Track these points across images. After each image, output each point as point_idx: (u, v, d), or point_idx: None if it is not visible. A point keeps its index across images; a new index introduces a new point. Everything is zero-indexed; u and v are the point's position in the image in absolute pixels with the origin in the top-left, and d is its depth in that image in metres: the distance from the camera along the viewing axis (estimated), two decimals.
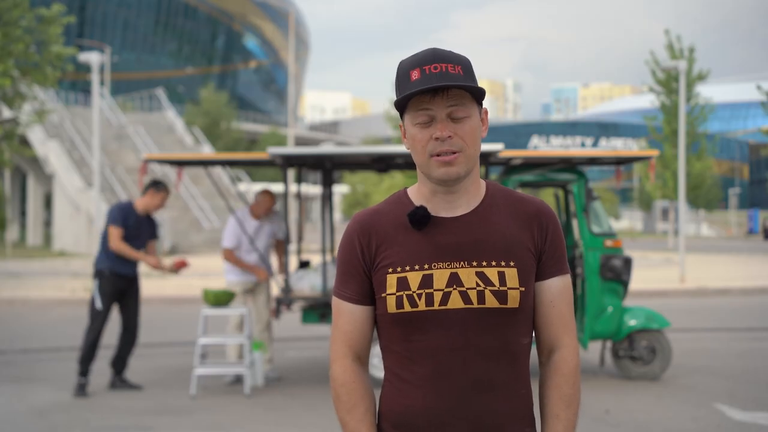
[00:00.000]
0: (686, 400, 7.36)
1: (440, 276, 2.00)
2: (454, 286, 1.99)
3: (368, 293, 2.09)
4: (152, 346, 10.50)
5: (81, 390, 7.60)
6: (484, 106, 2.08)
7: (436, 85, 1.95)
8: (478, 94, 2.01)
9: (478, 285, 1.99)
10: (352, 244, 2.09)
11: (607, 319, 8.15)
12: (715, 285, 17.90)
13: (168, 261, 8.24)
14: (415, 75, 1.99)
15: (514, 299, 2.00)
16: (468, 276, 2.00)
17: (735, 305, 15.27)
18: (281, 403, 7.36)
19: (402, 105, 2.03)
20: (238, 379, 8.21)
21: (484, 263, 2.01)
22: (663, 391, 7.75)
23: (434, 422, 2.01)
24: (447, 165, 1.99)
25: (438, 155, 1.99)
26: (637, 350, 8.21)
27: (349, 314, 2.11)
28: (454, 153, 1.99)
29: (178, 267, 7.98)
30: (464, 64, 2.02)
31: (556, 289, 2.08)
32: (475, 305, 1.99)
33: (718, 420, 6.65)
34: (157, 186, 7.87)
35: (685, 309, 14.38)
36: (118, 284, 7.70)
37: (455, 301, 1.99)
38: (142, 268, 15.98)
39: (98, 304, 7.57)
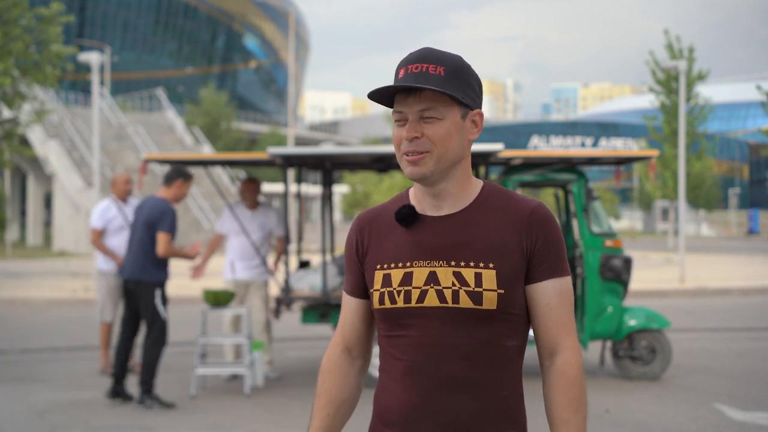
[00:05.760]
0: (686, 400, 7.36)
1: (419, 274, 2.03)
2: (432, 285, 2.02)
3: (362, 287, 2.16)
4: None
5: (165, 403, 7.13)
6: (476, 109, 2.05)
7: (403, 85, 1.97)
8: (455, 97, 1.99)
9: (453, 285, 2.00)
10: (351, 240, 2.17)
11: (607, 319, 8.15)
12: (715, 285, 17.90)
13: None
14: (400, 74, 2.02)
15: (490, 301, 1.98)
16: (445, 275, 2.01)
17: (735, 305, 15.27)
18: (281, 403, 7.36)
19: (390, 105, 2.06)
20: (234, 376, 8.22)
21: (462, 263, 2.01)
22: (663, 391, 7.75)
23: (408, 417, 2.03)
24: (413, 165, 2.02)
25: (407, 154, 2.02)
26: (637, 350, 8.21)
27: (346, 305, 2.20)
28: (421, 153, 2.01)
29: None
30: (450, 66, 2.00)
31: (552, 291, 2.04)
32: (450, 304, 2.00)
33: (717, 420, 6.65)
34: (185, 175, 7.45)
35: (685, 309, 14.38)
36: None
37: (431, 300, 2.01)
38: None
39: (164, 314, 7.22)
